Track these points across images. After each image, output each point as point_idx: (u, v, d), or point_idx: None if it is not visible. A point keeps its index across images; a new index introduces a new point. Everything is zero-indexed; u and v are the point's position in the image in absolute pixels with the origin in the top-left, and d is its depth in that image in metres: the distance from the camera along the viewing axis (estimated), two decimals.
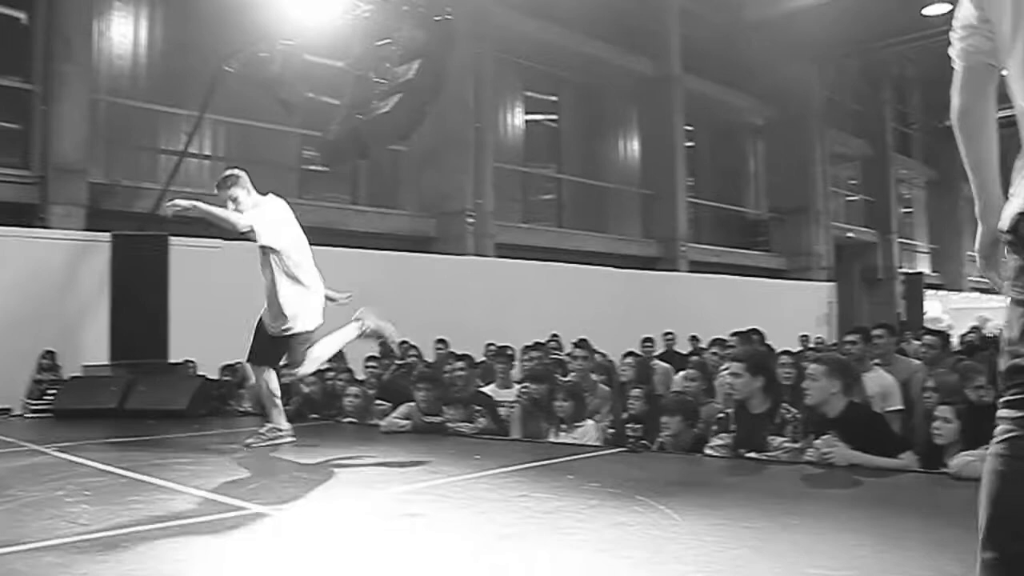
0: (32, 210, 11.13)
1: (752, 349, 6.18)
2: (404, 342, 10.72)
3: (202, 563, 3.01)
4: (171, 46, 13.18)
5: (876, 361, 6.43)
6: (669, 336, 12.17)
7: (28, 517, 3.69)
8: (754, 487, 4.52)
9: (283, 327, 5.90)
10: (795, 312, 18.80)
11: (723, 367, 7.12)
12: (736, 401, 5.25)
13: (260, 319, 6.00)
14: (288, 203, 6.08)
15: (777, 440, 4.97)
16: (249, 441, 5.94)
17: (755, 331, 8.31)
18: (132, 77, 12.97)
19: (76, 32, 11.56)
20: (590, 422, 6.12)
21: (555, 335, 11.36)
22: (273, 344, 6.01)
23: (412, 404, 6.84)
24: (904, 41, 22.37)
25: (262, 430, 6.08)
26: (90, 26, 11.94)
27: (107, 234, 10.23)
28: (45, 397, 9.10)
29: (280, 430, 6.10)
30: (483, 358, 9.85)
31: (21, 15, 12.16)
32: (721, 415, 5.65)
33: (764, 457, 4.94)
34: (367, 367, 8.48)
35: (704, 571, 2.81)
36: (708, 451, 5.22)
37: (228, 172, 6.07)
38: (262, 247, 5.83)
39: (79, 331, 10.08)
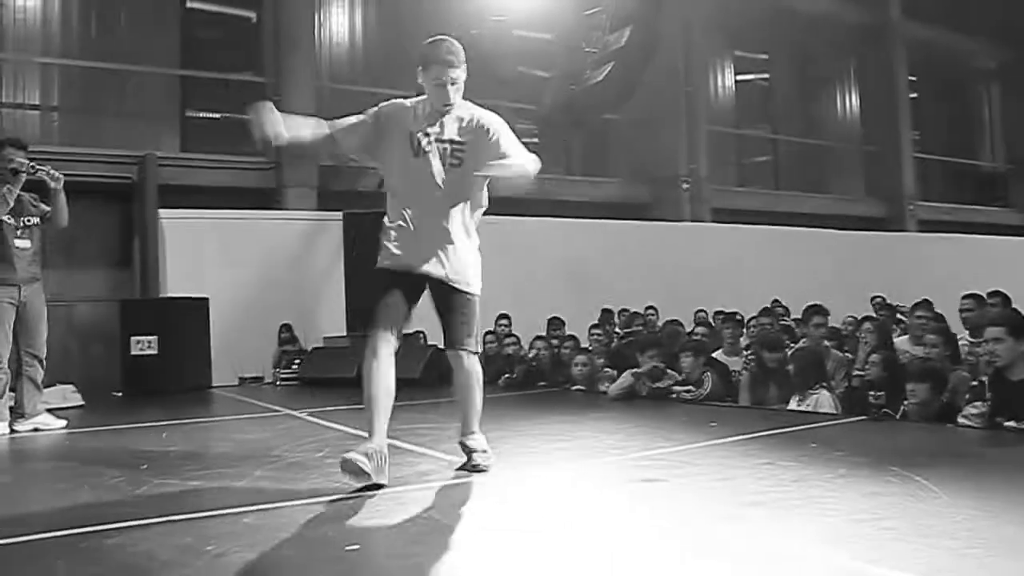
0: (270, 194, 11.93)
1: (1011, 312, 5.74)
2: (624, 310, 10.77)
3: (455, 522, 3.12)
4: (386, 30, 13.69)
5: None
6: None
7: (296, 476, 3.98)
8: (1017, 460, 4.21)
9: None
10: None
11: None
12: (994, 368, 4.89)
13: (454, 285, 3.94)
14: None
15: None
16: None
17: (997, 293, 7.67)
18: (351, 64, 13.59)
19: (300, 26, 12.25)
20: (824, 391, 5.90)
21: (776, 300, 11.01)
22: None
23: (636, 370, 6.85)
24: None
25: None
26: (312, 18, 12.60)
27: (338, 213, 10.80)
28: (292, 367, 9.81)
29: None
30: (694, 325, 9.67)
31: (251, 14, 13.03)
32: (974, 383, 5.31)
33: None
34: (592, 335, 8.54)
35: (975, 547, 2.62)
36: (961, 420, 4.92)
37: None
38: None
39: (317, 305, 10.74)
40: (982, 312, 6.81)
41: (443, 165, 3.89)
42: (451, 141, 3.91)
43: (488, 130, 3.93)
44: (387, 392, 3.73)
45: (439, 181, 3.88)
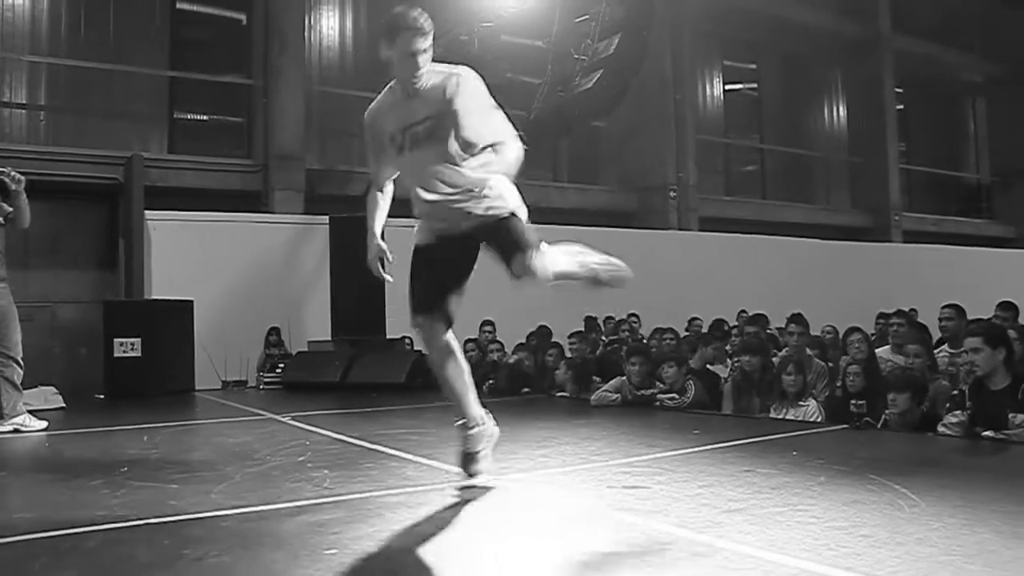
0: (256, 196, 11.91)
1: (989, 322, 5.77)
2: (609, 318, 10.78)
3: (437, 528, 3.12)
4: (376, 35, 13.66)
5: None
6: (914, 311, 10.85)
7: (278, 480, 3.96)
8: (996, 468, 4.23)
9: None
10: None
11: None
12: (975, 378, 4.92)
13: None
14: None
15: (1020, 418, 4.63)
16: None
17: (1010, 305, 7.47)
18: (341, 67, 13.58)
19: (290, 28, 12.23)
20: (812, 400, 5.94)
21: (743, 310, 11.07)
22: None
23: (623, 378, 6.86)
24: None
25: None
26: (302, 21, 12.58)
27: (324, 217, 10.78)
28: (276, 370, 9.80)
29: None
30: (685, 333, 9.75)
31: (241, 16, 13.00)
32: (954, 392, 5.34)
33: (1003, 436, 4.62)
34: (571, 345, 8.53)
35: (952, 554, 2.64)
36: (941, 429, 4.94)
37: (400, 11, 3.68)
38: None
39: (303, 309, 10.73)
40: (960, 322, 6.83)
41: (419, 148, 3.65)
42: (419, 122, 3.64)
43: (450, 100, 3.58)
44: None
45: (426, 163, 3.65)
